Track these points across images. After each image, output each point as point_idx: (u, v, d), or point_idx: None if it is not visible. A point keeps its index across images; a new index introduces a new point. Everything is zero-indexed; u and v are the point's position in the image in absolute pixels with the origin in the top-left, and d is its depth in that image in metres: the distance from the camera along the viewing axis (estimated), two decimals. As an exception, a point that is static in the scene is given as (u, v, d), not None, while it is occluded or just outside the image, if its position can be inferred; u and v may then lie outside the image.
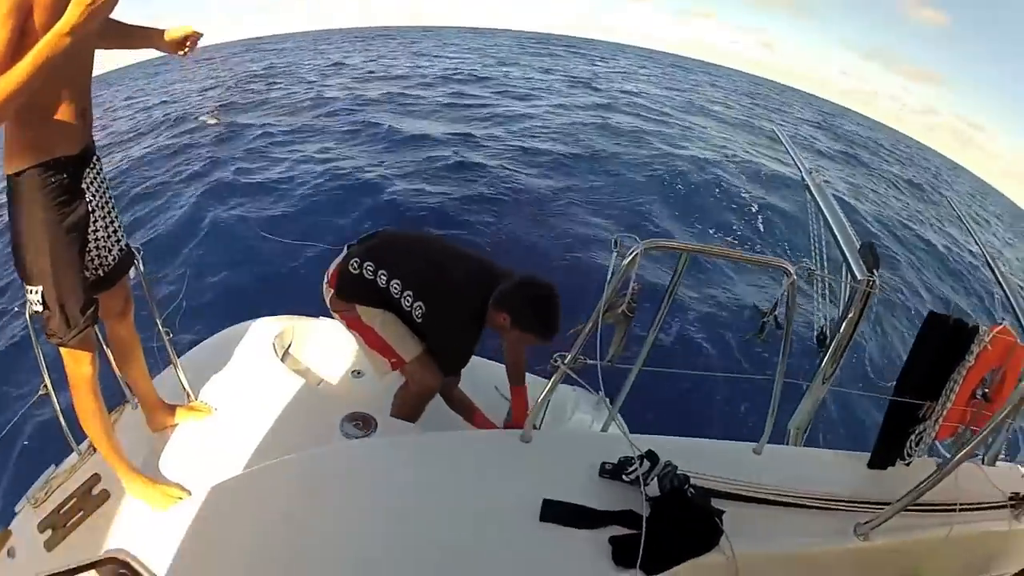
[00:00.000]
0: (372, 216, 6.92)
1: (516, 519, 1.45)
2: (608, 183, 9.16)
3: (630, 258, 1.41)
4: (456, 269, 2.13)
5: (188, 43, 1.70)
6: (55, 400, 1.77)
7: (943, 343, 2.11)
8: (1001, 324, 2.19)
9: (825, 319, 2.43)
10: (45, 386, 1.77)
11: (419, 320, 2.04)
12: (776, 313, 1.96)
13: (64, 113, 1.43)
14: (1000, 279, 3.00)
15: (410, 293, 2.03)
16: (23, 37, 1.20)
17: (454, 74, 21.16)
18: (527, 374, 2.26)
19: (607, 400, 2.02)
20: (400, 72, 21.76)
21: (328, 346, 2.72)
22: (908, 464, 2.18)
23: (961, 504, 1.95)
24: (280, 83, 19.46)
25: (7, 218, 1.47)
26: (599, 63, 37.88)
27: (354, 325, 2.16)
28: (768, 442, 2.02)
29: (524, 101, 16.56)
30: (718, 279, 6.01)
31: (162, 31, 1.70)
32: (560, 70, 27.92)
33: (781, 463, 2.03)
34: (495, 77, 21.26)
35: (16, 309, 1.54)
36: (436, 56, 30.19)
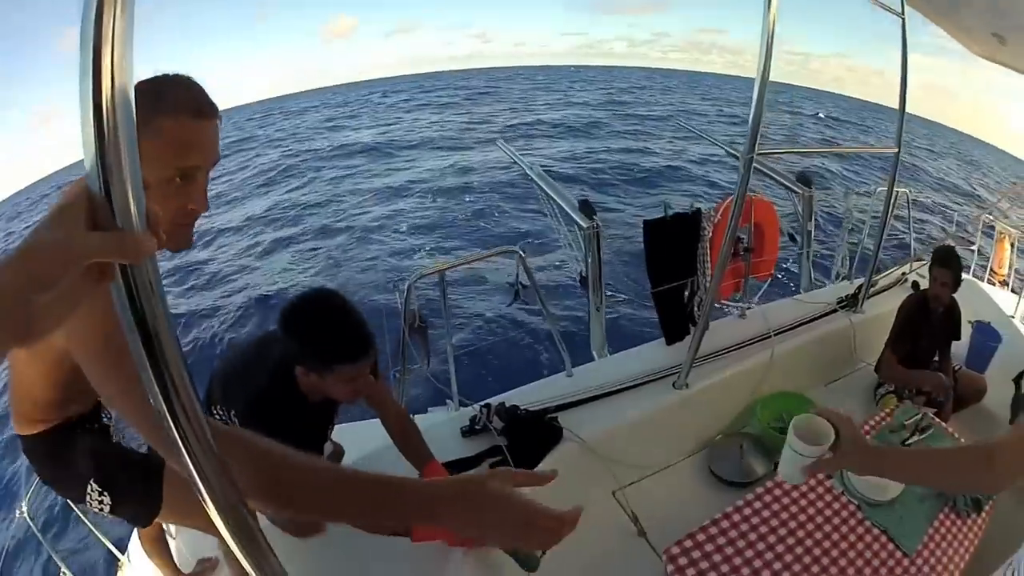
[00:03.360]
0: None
1: None
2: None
3: (406, 292, 1.92)
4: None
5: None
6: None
7: (670, 236, 2.43)
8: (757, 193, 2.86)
9: (580, 263, 2.98)
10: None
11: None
12: (520, 281, 2.44)
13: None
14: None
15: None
16: None
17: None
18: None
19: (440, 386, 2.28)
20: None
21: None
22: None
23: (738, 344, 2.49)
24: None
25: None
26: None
27: None
28: (574, 365, 2.40)
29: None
30: (475, 276, 7.51)
31: None
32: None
33: (594, 374, 2.32)
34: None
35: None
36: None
